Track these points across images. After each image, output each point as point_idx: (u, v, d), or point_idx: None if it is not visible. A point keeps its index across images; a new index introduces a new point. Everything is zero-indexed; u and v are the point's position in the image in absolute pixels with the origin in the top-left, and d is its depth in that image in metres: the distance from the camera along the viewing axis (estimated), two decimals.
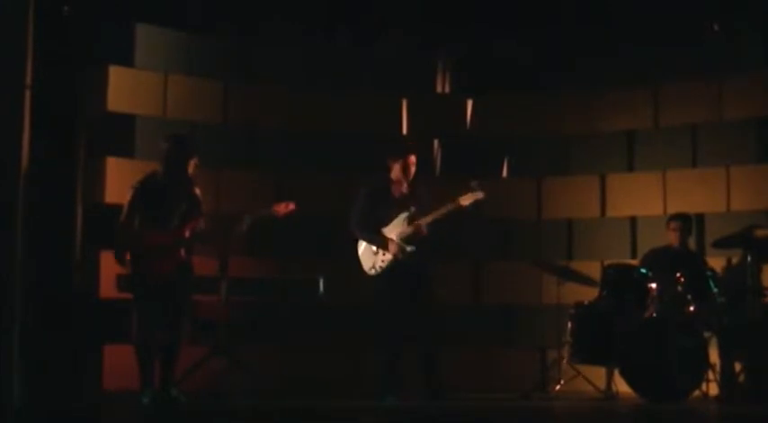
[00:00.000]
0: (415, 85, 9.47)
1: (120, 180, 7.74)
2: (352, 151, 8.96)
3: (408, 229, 6.98)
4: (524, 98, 9.44)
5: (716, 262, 7.73)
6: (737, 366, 7.01)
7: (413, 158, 7.08)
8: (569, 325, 7.39)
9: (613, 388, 7.42)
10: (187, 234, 6.27)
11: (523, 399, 7.37)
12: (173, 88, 8.68)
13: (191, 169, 6.43)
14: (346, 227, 7.20)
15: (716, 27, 8.76)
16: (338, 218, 8.50)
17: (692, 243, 7.94)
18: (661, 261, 7.49)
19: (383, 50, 9.46)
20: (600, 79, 9.29)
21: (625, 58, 9.19)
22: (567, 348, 7.44)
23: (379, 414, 6.12)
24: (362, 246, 7.10)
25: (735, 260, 7.58)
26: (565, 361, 7.49)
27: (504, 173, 9.37)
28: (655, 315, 7.15)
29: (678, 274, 7.15)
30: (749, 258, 7.06)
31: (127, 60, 8.49)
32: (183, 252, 6.28)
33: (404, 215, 7.03)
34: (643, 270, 7.38)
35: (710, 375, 7.14)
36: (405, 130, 9.36)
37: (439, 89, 9.65)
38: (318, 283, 7.36)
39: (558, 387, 7.47)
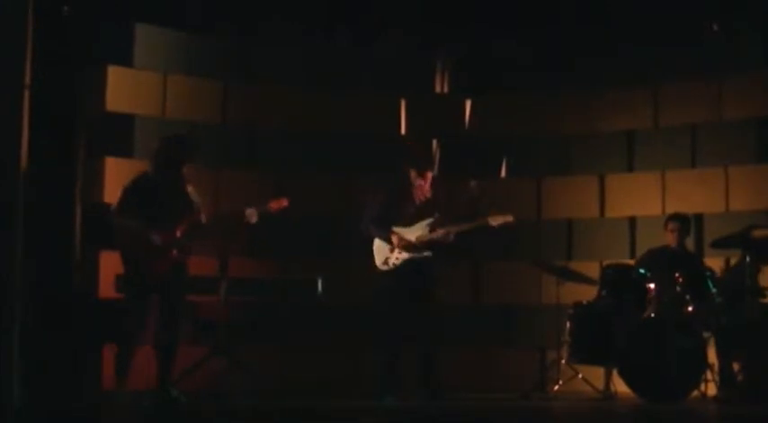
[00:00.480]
0: (414, 85, 9.47)
1: (119, 180, 7.70)
2: (351, 151, 8.97)
3: (429, 235, 7.03)
4: (524, 98, 9.44)
5: (715, 262, 7.74)
6: (736, 366, 7.02)
7: (428, 174, 7.17)
8: (568, 325, 7.40)
9: (612, 388, 7.43)
10: (179, 234, 6.27)
11: (523, 399, 7.37)
12: (172, 88, 8.69)
13: (184, 170, 6.41)
14: (359, 225, 7.20)
15: (715, 27, 8.77)
16: (338, 218, 8.53)
17: (690, 243, 7.94)
18: (659, 261, 7.49)
19: (383, 50, 9.46)
20: (600, 79, 9.29)
21: (625, 58, 9.19)
22: (565, 348, 7.45)
23: (378, 414, 6.13)
24: (378, 240, 7.14)
25: (733, 260, 7.59)
26: (564, 361, 7.50)
27: (503, 173, 9.37)
28: (653, 315, 7.15)
29: (677, 275, 7.15)
30: (748, 259, 7.06)
31: (126, 60, 8.50)
32: (175, 252, 6.28)
33: (427, 221, 7.07)
34: (642, 270, 7.39)
35: (709, 375, 7.14)
36: (404, 131, 9.37)
37: (438, 89, 9.65)
38: (317, 283, 7.37)
39: (556, 387, 7.48)
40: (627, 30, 9.02)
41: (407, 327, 6.99)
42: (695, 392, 7.02)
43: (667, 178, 8.85)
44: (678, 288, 7.15)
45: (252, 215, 6.53)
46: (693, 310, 7.13)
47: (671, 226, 7.70)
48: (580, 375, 7.53)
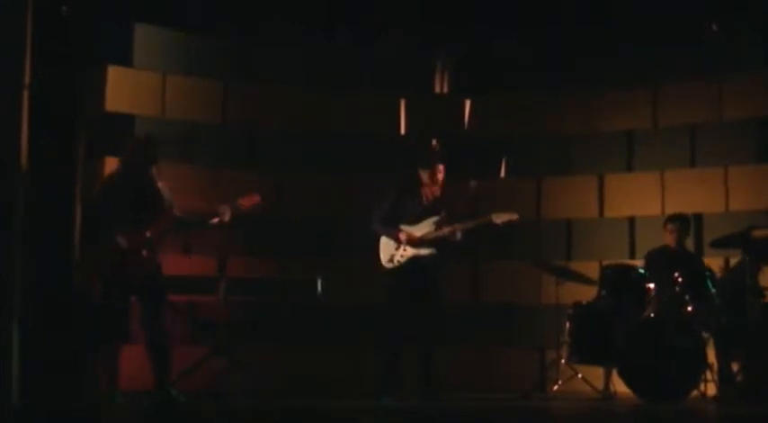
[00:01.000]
0: (414, 85, 9.48)
1: None
2: (351, 151, 8.97)
3: (434, 233, 7.04)
4: (524, 98, 9.45)
5: (714, 262, 7.74)
6: (735, 366, 7.02)
7: (441, 167, 7.19)
8: (568, 325, 7.40)
9: (611, 388, 7.44)
10: (149, 234, 6.28)
11: (523, 399, 7.37)
12: (172, 88, 8.70)
13: (154, 158, 6.42)
14: (369, 224, 7.20)
15: (714, 27, 8.77)
16: (338, 218, 8.54)
17: (689, 243, 7.95)
18: (659, 261, 7.50)
19: (383, 50, 9.47)
20: (600, 79, 9.30)
21: (625, 58, 9.19)
22: (565, 348, 7.45)
23: (378, 414, 6.13)
24: (383, 238, 7.15)
25: (733, 260, 7.59)
26: (563, 361, 7.50)
27: (503, 173, 9.37)
28: (653, 315, 7.15)
29: (676, 275, 7.15)
30: (747, 259, 7.06)
31: (126, 60, 8.51)
32: (145, 252, 6.29)
33: (433, 219, 7.09)
34: (641, 270, 7.39)
35: (708, 375, 7.15)
36: (403, 131, 9.37)
37: (438, 89, 9.65)
38: (316, 283, 7.38)
39: (556, 387, 7.48)
40: (627, 30, 9.02)
41: (408, 326, 7.00)
42: (695, 392, 7.02)
43: (667, 178, 8.85)
44: (678, 288, 7.15)
45: (225, 212, 6.51)
46: (693, 310, 7.13)
47: (670, 227, 7.70)
48: (580, 375, 7.54)
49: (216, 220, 6.49)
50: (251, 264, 8.35)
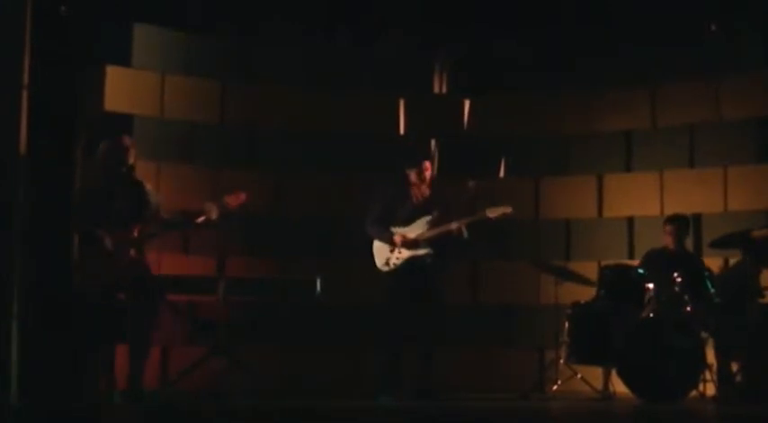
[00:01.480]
0: (413, 85, 9.48)
1: None
2: (351, 151, 8.98)
3: (431, 232, 7.05)
4: (524, 98, 9.45)
5: (714, 262, 7.75)
6: (734, 366, 7.02)
7: (427, 164, 7.20)
8: (566, 325, 7.41)
9: (611, 388, 7.44)
10: (136, 234, 6.29)
11: (522, 399, 7.38)
12: (171, 88, 8.70)
13: (131, 159, 6.43)
14: (364, 226, 7.22)
15: (714, 27, 8.77)
16: (338, 218, 8.54)
17: (689, 243, 7.95)
18: (658, 262, 7.50)
19: (383, 50, 9.47)
20: (599, 79, 9.30)
21: (625, 58, 9.20)
22: (564, 348, 7.46)
23: (378, 414, 6.13)
24: (377, 241, 7.16)
25: (733, 260, 7.59)
26: (562, 361, 7.50)
27: (502, 173, 9.38)
28: (652, 315, 7.16)
29: (675, 275, 7.16)
30: (747, 259, 7.06)
31: (124, 60, 8.51)
32: (133, 252, 6.30)
33: (426, 218, 7.09)
34: (640, 270, 7.40)
35: (707, 375, 7.15)
36: (403, 131, 9.38)
37: (437, 89, 9.65)
38: (316, 283, 7.39)
39: (555, 387, 7.49)
40: (627, 30, 9.02)
41: (408, 326, 7.00)
42: (694, 392, 7.02)
43: (666, 178, 8.85)
44: (677, 288, 7.15)
45: (211, 210, 6.51)
46: (692, 310, 7.13)
47: (669, 228, 7.71)
48: (579, 375, 7.54)
49: (203, 218, 6.50)
50: (251, 264, 8.36)
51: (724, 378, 7.01)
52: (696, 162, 8.85)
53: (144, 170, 6.95)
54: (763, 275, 7.36)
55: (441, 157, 9.39)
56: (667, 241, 7.69)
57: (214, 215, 6.49)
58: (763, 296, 7.13)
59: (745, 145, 8.63)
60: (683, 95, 8.96)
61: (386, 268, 7.13)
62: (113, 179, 6.40)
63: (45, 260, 6.15)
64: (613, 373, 7.21)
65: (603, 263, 8.07)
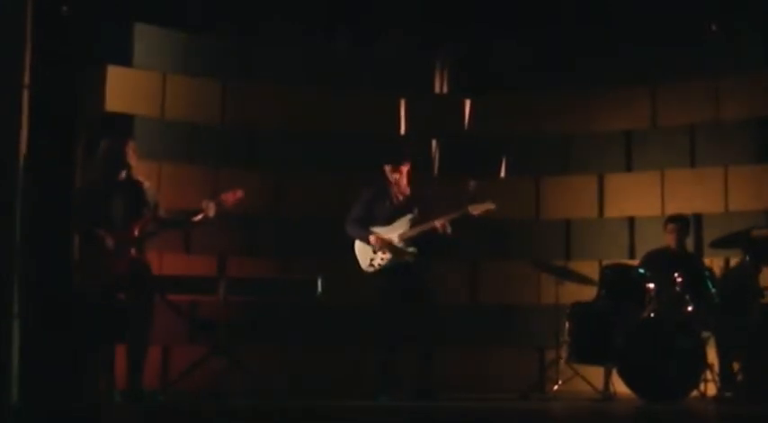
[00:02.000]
0: (413, 85, 9.48)
1: None
2: (351, 151, 8.97)
3: (411, 231, 7.04)
4: (524, 98, 9.45)
5: (714, 262, 7.73)
6: (735, 366, 7.02)
7: (404, 168, 7.17)
8: (567, 325, 7.40)
9: (611, 388, 7.43)
10: (136, 232, 6.29)
11: (522, 399, 7.37)
12: (172, 88, 8.70)
13: (131, 160, 6.43)
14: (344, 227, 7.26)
15: (714, 27, 8.77)
16: (338, 218, 8.52)
17: (689, 243, 7.95)
18: (659, 262, 7.50)
19: (383, 50, 9.47)
20: (599, 79, 9.30)
21: (625, 58, 9.20)
22: (564, 348, 7.45)
23: (378, 414, 6.13)
24: (358, 243, 7.15)
25: (733, 260, 7.59)
26: (563, 361, 7.50)
27: (503, 173, 9.38)
28: (653, 315, 7.15)
29: (676, 275, 7.15)
30: (747, 259, 7.06)
31: (125, 60, 8.50)
32: (134, 251, 6.30)
33: (407, 217, 7.08)
34: (641, 270, 7.39)
35: (708, 375, 7.15)
36: (403, 131, 9.38)
37: (438, 89, 9.65)
38: (317, 283, 7.39)
39: (556, 387, 7.48)
40: (627, 30, 9.02)
41: (401, 327, 7.00)
42: (695, 392, 7.02)
43: (666, 178, 8.85)
44: (677, 288, 7.15)
45: (209, 207, 6.52)
46: (693, 310, 7.13)
47: (670, 228, 7.71)
48: (580, 375, 7.54)
49: (201, 216, 6.51)
50: (251, 264, 8.35)
51: (725, 378, 7.01)
52: (697, 162, 8.85)
53: (145, 170, 6.94)
54: (764, 275, 7.36)
55: (441, 157, 9.39)
56: (669, 241, 7.70)
57: (212, 213, 6.51)
58: (763, 296, 7.12)
59: (745, 145, 8.64)
60: (683, 95, 8.96)
61: (370, 269, 7.12)
62: (112, 178, 6.40)
63: (45, 260, 6.15)
64: (614, 372, 7.20)
65: (604, 263, 8.07)
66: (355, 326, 8.18)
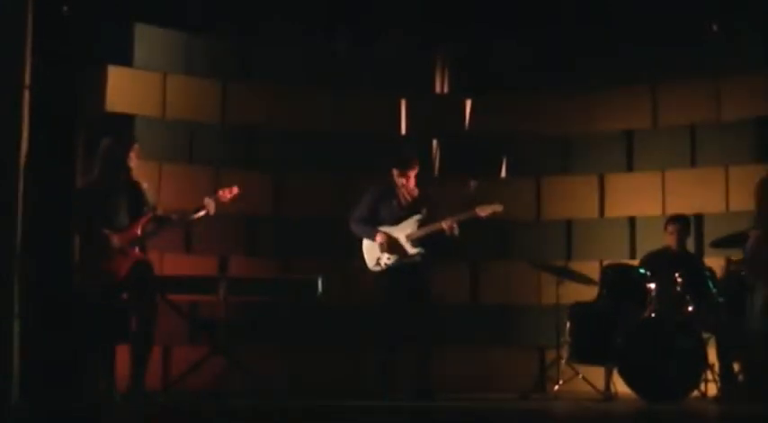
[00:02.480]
0: (414, 85, 9.48)
1: None
2: (351, 151, 8.97)
3: (419, 232, 7.05)
4: (524, 98, 9.44)
5: (715, 262, 7.74)
6: (736, 366, 7.01)
7: (412, 173, 7.19)
8: (568, 325, 7.40)
9: (612, 388, 7.43)
10: (139, 231, 6.31)
11: (523, 399, 7.37)
12: (172, 88, 8.69)
13: (132, 163, 6.45)
14: (347, 224, 7.25)
15: (714, 27, 8.76)
16: (338, 218, 8.52)
17: (690, 243, 7.95)
18: (659, 262, 7.50)
19: (383, 50, 9.46)
20: (600, 79, 9.29)
21: (625, 58, 9.19)
22: (565, 348, 7.45)
23: (378, 414, 6.12)
24: (367, 241, 7.15)
25: (734, 260, 7.58)
26: (563, 361, 7.50)
27: (503, 173, 9.37)
28: (653, 315, 7.15)
29: (677, 275, 7.15)
30: None
31: (126, 60, 8.50)
32: (137, 250, 6.32)
33: (415, 217, 7.09)
34: (642, 270, 7.39)
35: (709, 375, 7.15)
36: (404, 131, 9.37)
37: (438, 89, 9.65)
38: (317, 283, 7.39)
39: (556, 387, 7.48)
40: (627, 30, 9.02)
41: (403, 327, 7.00)
42: (695, 392, 7.02)
43: (667, 178, 8.85)
44: (678, 288, 7.15)
45: (209, 204, 6.58)
46: (693, 310, 7.13)
47: (670, 228, 7.71)
48: (580, 375, 7.54)
49: (202, 213, 6.56)
50: (251, 264, 8.35)
51: (726, 378, 7.01)
52: (697, 162, 8.84)
53: (145, 170, 6.94)
54: None
55: (442, 157, 9.39)
56: (670, 241, 7.69)
57: (212, 210, 6.57)
58: None
59: (745, 145, 8.63)
60: (683, 95, 8.95)
61: (377, 268, 7.12)
62: (112, 178, 6.40)
63: (45, 260, 6.15)
64: (615, 372, 7.19)
65: (605, 263, 8.07)
66: (355, 326, 8.18)
